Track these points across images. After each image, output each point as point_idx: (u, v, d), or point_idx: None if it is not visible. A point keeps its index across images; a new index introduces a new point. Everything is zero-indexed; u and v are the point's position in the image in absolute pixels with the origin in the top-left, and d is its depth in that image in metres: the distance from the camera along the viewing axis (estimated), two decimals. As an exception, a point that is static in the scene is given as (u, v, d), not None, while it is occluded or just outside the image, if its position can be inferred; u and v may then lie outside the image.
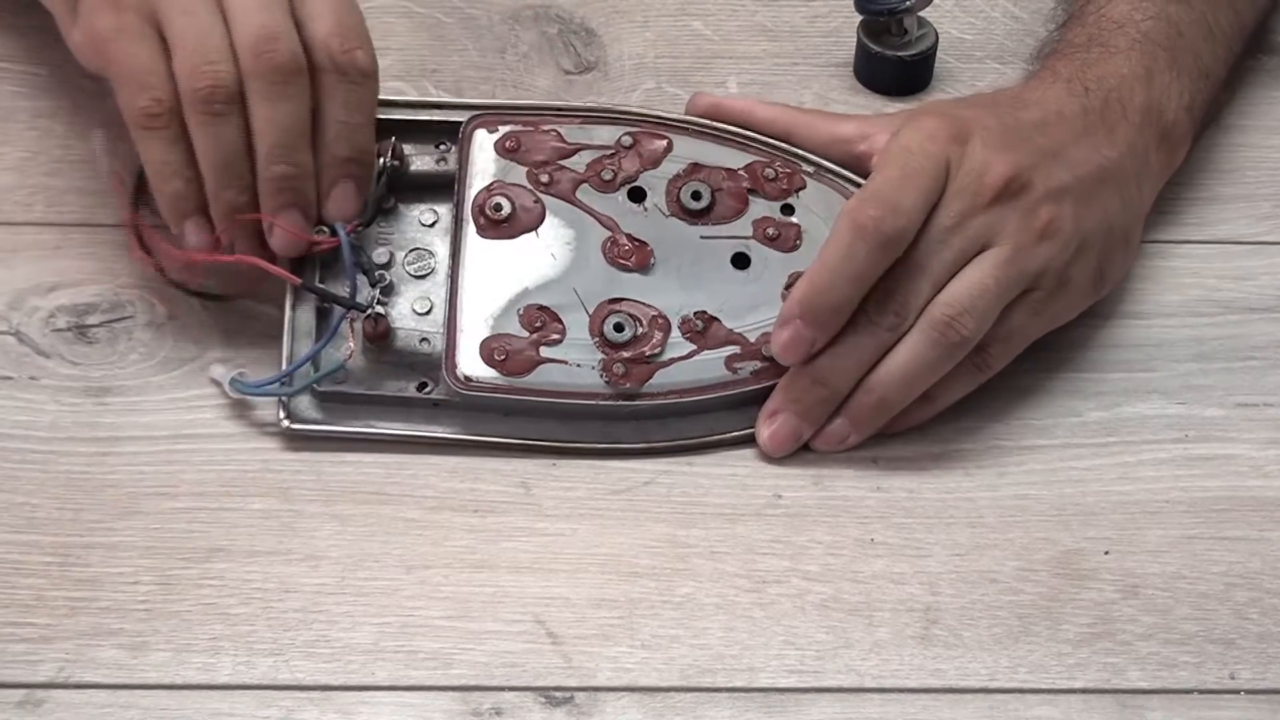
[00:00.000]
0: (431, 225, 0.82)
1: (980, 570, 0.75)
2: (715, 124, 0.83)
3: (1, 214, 0.86)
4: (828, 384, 0.77)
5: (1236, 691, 0.72)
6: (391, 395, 0.78)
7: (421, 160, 0.82)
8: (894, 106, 0.92)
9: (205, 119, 0.75)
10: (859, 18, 0.92)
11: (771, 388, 0.78)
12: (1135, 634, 0.73)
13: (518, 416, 0.78)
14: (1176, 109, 0.84)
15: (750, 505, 0.77)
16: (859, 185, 0.81)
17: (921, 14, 0.92)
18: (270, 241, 0.78)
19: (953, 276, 0.77)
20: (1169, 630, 0.73)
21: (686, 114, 0.84)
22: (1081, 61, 0.84)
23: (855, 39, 0.93)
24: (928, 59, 0.93)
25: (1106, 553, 0.76)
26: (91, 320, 0.82)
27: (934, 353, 0.76)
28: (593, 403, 0.77)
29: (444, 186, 0.81)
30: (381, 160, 0.80)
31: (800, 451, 0.79)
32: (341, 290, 0.78)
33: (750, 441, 0.78)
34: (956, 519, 0.77)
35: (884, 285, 0.76)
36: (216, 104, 0.75)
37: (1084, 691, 0.72)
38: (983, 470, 0.78)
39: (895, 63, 0.92)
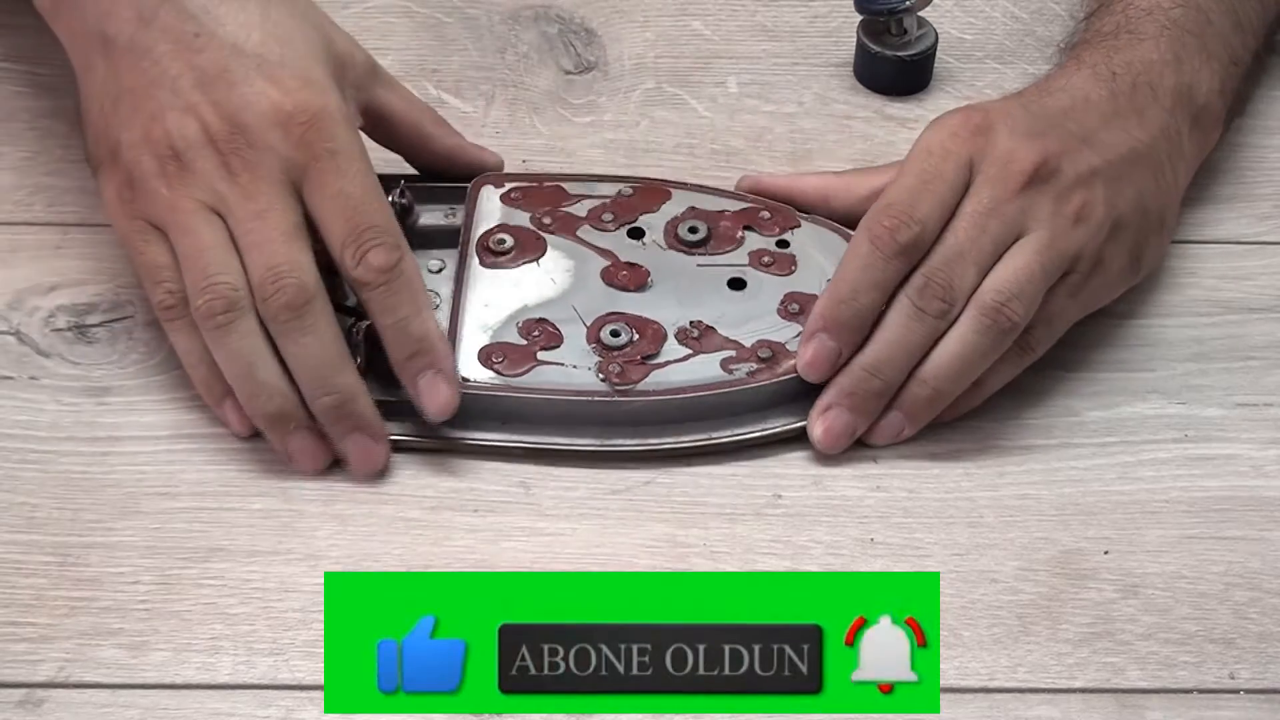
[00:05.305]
0: (438, 272, 0.82)
1: (980, 570, 0.75)
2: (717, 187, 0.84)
3: (1, 214, 0.86)
4: (880, 374, 0.77)
5: (1236, 691, 0.72)
6: (394, 400, 0.78)
7: (430, 215, 0.83)
8: (894, 106, 0.92)
9: (215, 332, 0.74)
10: (859, 18, 0.92)
11: (767, 388, 0.78)
12: (1135, 634, 0.73)
13: (516, 421, 0.78)
14: (1208, 92, 0.84)
15: (750, 505, 0.77)
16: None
17: (921, 14, 0.92)
18: (350, 466, 0.76)
19: (995, 262, 0.77)
20: (1169, 630, 0.73)
21: (735, 189, 0.84)
22: (1109, 48, 0.84)
23: (855, 39, 0.93)
24: (928, 59, 0.93)
25: (1106, 552, 0.76)
26: (91, 320, 0.82)
27: (985, 340, 0.77)
28: (589, 399, 0.77)
29: (452, 239, 0.82)
30: (390, 199, 0.79)
31: (799, 451, 0.79)
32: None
33: (748, 448, 0.78)
34: (956, 519, 0.77)
35: (927, 272, 0.77)
36: (219, 316, 0.73)
37: (1084, 691, 0.71)
38: (983, 470, 0.78)
39: (895, 63, 0.92)
